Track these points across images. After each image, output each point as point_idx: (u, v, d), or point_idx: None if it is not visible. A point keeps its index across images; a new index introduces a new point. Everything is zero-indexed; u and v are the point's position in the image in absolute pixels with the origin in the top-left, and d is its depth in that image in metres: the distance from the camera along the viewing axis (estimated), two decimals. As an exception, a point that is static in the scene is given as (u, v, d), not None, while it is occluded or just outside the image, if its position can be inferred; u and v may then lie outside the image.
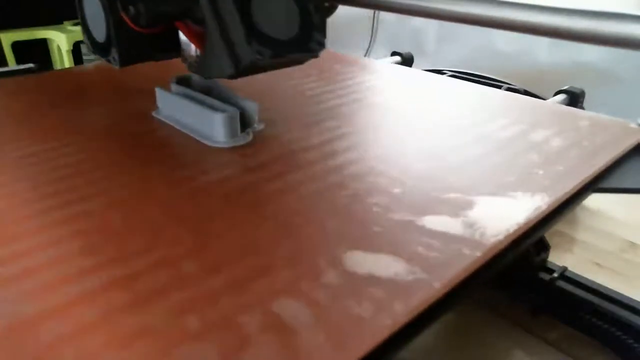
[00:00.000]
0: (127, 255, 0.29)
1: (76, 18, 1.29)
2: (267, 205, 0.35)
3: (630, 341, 0.53)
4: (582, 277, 0.59)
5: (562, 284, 0.59)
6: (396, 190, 0.37)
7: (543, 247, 0.61)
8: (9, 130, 0.49)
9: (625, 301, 0.55)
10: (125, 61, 0.46)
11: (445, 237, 0.31)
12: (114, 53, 0.46)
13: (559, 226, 0.78)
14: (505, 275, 0.62)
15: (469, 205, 0.35)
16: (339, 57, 0.76)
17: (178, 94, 0.51)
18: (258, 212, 0.34)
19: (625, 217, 0.80)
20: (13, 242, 0.30)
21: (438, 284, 0.27)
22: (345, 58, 0.76)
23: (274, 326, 0.24)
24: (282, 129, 0.49)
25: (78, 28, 1.27)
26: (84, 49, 1.31)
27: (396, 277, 0.28)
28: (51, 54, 1.33)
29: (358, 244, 0.31)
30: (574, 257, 0.71)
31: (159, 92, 0.53)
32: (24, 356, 0.23)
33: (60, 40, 1.23)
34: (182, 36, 0.49)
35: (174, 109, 0.52)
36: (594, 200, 0.83)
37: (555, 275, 0.59)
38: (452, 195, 0.37)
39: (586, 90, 0.62)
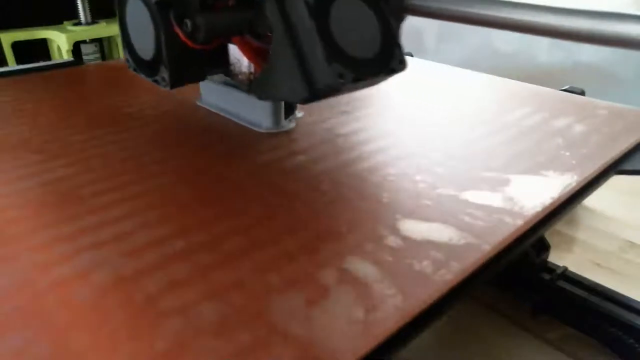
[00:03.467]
0: (202, 224, 0.32)
1: (76, 18, 1.29)
2: (321, 181, 0.38)
3: (631, 341, 0.53)
4: (583, 277, 0.59)
5: (562, 283, 0.59)
6: (438, 170, 0.40)
7: (543, 247, 0.61)
8: (65, 117, 0.52)
9: (625, 301, 0.55)
10: (175, 82, 0.41)
11: (488, 209, 0.34)
12: (164, 72, 0.41)
13: (559, 226, 0.78)
14: (505, 275, 0.62)
15: (506, 182, 0.38)
16: None
17: (221, 82, 0.52)
18: (314, 187, 0.37)
19: (625, 217, 0.80)
20: (102, 212, 0.34)
21: (488, 246, 0.30)
22: None
23: (348, 280, 0.27)
24: (320, 117, 0.52)
25: (78, 28, 1.27)
26: (84, 49, 1.31)
27: (450, 241, 0.31)
28: (51, 54, 1.33)
29: (411, 214, 0.34)
30: (574, 257, 0.71)
31: (203, 82, 0.54)
32: (132, 303, 0.25)
33: (60, 40, 1.23)
34: (233, 50, 0.45)
35: (218, 97, 0.53)
36: (594, 200, 0.83)
37: (556, 275, 0.59)
38: (489, 174, 0.40)
39: (586, 90, 0.62)
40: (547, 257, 0.62)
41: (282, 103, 0.48)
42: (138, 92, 0.61)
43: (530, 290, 0.61)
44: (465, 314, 0.61)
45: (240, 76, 0.46)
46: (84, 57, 1.32)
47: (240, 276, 0.27)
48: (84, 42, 1.29)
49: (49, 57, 1.34)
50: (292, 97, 0.36)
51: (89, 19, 1.29)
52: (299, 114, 0.52)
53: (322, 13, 0.34)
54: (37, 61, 0.78)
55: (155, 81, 0.42)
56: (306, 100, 0.35)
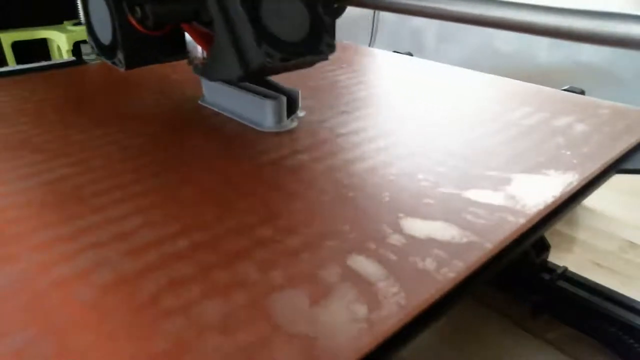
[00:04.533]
0: (204, 223, 0.32)
1: (76, 18, 1.29)
2: (323, 180, 0.39)
3: (631, 341, 0.53)
4: (583, 277, 0.59)
5: (562, 283, 0.59)
6: (440, 169, 0.40)
7: (543, 247, 0.61)
8: (66, 117, 0.53)
9: (625, 301, 0.55)
10: (130, 64, 0.45)
11: (490, 207, 0.35)
12: (120, 55, 0.45)
13: (559, 226, 0.78)
14: (505, 275, 0.62)
15: (508, 181, 0.38)
16: (367, 50, 0.81)
17: (224, 82, 0.52)
18: (317, 186, 0.38)
19: (625, 217, 0.80)
20: (103, 211, 0.34)
21: (490, 245, 0.30)
22: (373, 52, 0.81)
23: (351, 278, 0.27)
24: (322, 116, 0.53)
25: (78, 28, 1.27)
26: (84, 48, 1.31)
27: (452, 239, 0.31)
28: (51, 54, 1.33)
29: (414, 213, 0.34)
30: (574, 257, 0.71)
31: (205, 81, 0.54)
32: (133, 302, 0.25)
33: (60, 40, 1.23)
34: (189, 38, 0.48)
35: (220, 96, 0.53)
36: (594, 200, 0.83)
37: (556, 275, 0.59)
38: (491, 173, 0.40)
39: (586, 90, 0.62)
40: (547, 257, 0.62)
41: (285, 103, 0.48)
42: (139, 91, 0.61)
43: (530, 290, 0.61)
44: (465, 314, 0.61)
45: (195, 61, 0.49)
46: (84, 57, 1.32)
47: (243, 275, 0.27)
48: (84, 42, 1.29)
49: (49, 57, 1.34)
50: (228, 75, 0.40)
51: (89, 19, 1.29)
52: (300, 113, 0.52)
53: (254, 3, 0.38)
54: (37, 61, 0.78)
55: (114, 63, 0.46)
56: (241, 78, 0.40)
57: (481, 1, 0.39)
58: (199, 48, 0.48)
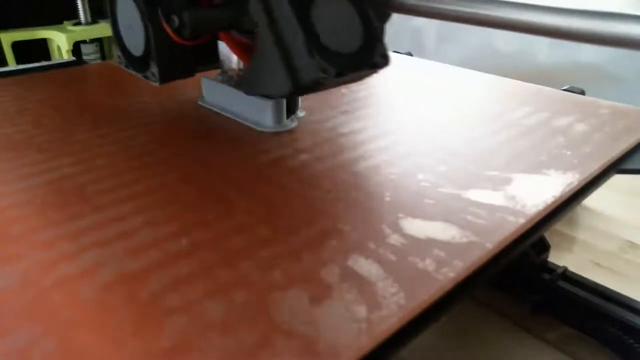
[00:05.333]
0: (206, 222, 0.32)
1: (76, 18, 1.29)
2: (325, 180, 0.38)
3: (631, 341, 0.53)
4: (583, 277, 0.59)
5: (562, 283, 0.59)
6: (440, 168, 0.40)
7: (543, 247, 0.61)
8: (68, 116, 0.52)
9: (625, 301, 0.55)
10: (165, 77, 0.42)
11: (490, 207, 0.35)
12: (153, 68, 0.42)
13: (559, 226, 0.78)
14: (505, 275, 0.62)
15: (508, 181, 0.38)
16: None
17: (223, 82, 0.52)
18: (317, 186, 0.37)
19: (625, 217, 0.80)
20: (106, 210, 0.34)
21: (490, 245, 0.30)
22: None
23: (351, 278, 0.27)
24: (322, 116, 0.52)
25: (78, 28, 1.27)
26: (84, 49, 1.31)
27: (452, 239, 0.31)
28: (51, 54, 1.33)
29: (414, 213, 0.34)
30: (574, 257, 0.71)
31: (205, 81, 0.54)
32: (136, 301, 0.25)
33: (60, 40, 1.23)
34: (221, 47, 0.46)
35: (220, 96, 0.53)
36: (594, 200, 0.83)
37: (556, 275, 0.59)
38: (491, 173, 0.40)
39: (586, 90, 0.62)
40: (547, 257, 0.62)
41: (284, 102, 0.48)
42: (140, 91, 0.61)
43: (530, 290, 0.61)
44: (465, 314, 0.61)
45: (229, 72, 0.47)
46: (84, 57, 1.32)
47: (244, 274, 0.28)
48: (84, 42, 1.29)
49: (49, 57, 1.34)
50: (276, 91, 0.36)
51: (89, 19, 1.30)
52: (300, 113, 0.52)
53: (305, 9, 0.34)
54: (37, 61, 0.78)
55: (146, 77, 0.43)
56: (290, 95, 0.36)
57: (481, 1, 0.39)
58: (234, 58, 0.46)
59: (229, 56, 0.47)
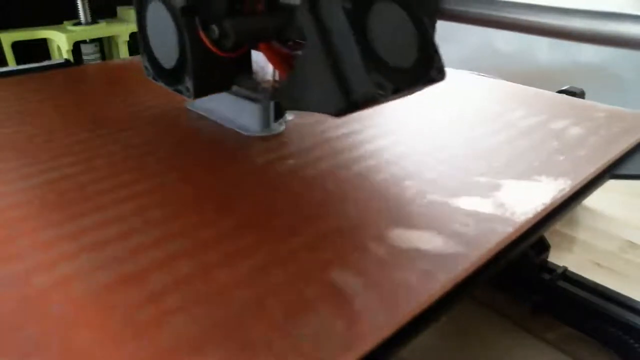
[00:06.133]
0: (188, 230, 0.32)
1: (76, 18, 1.29)
2: (308, 187, 0.38)
3: (631, 341, 0.53)
4: (583, 277, 0.59)
5: (562, 284, 0.59)
6: (429, 174, 0.39)
7: (543, 247, 0.61)
8: (67, 117, 0.52)
9: (625, 301, 0.55)
10: (200, 92, 0.39)
11: (478, 216, 0.34)
12: (188, 83, 0.38)
13: (559, 226, 0.78)
14: (505, 275, 0.62)
15: (498, 187, 0.37)
16: None
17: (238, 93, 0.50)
18: (301, 194, 0.37)
19: (625, 217, 0.80)
20: (105, 210, 0.34)
21: (476, 255, 0.29)
22: None
23: (330, 292, 0.26)
24: (311, 119, 0.51)
25: (78, 28, 1.27)
26: (84, 49, 1.31)
27: (437, 250, 0.30)
28: (51, 54, 1.33)
29: (398, 222, 0.33)
30: (574, 257, 0.71)
31: None
32: (138, 298, 0.25)
33: (60, 40, 1.23)
34: (255, 57, 0.43)
35: (207, 100, 0.51)
36: (594, 200, 0.83)
37: (556, 275, 0.59)
38: (482, 179, 0.39)
39: (586, 91, 0.62)
40: (547, 257, 0.62)
41: (272, 106, 0.47)
42: (137, 92, 0.60)
43: (530, 290, 0.61)
44: (465, 314, 0.61)
45: (264, 84, 0.44)
46: (84, 57, 1.32)
47: (219, 286, 0.27)
48: (84, 42, 1.29)
49: (49, 57, 1.34)
50: (325, 107, 0.33)
51: (89, 19, 1.29)
52: (289, 116, 0.50)
53: (360, 19, 0.31)
54: (37, 61, 0.78)
55: (178, 91, 0.40)
56: (341, 112, 0.32)
57: (482, 1, 0.39)
58: (270, 69, 0.44)
59: (264, 67, 0.44)
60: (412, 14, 0.35)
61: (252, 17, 0.37)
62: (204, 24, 0.35)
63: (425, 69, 0.35)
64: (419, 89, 0.35)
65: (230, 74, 0.41)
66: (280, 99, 0.39)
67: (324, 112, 0.33)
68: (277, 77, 0.44)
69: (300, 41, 0.35)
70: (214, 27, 0.35)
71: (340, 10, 0.31)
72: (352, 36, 0.30)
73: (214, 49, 0.36)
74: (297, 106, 0.36)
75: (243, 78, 0.42)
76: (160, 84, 0.42)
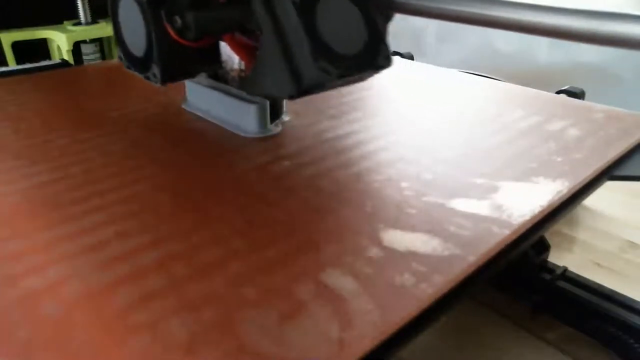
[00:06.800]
0: (180, 234, 0.31)
1: (76, 18, 1.29)
2: (305, 188, 0.37)
3: (631, 341, 0.53)
4: (583, 277, 0.59)
5: (562, 284, 0.59)
6: (426, 176, 0.39)
7: (543, 247, 0.61)
8: (49, 121, 0.51)
9: (625, 301, 0.55)
10: (166, 78, 0.42)
11: (475, 217, 0.33)
12: (155, 69, 0.41)
13: (559, 226, 0.78)
14: (505, 275, 0.62)
15: (495, 189, 0.37)
16: None
17: (207, 86, 0.51)
18: (297, 194, 0.36)
19: (625, 217, 0.80)
20: (79, 220, 0.33)
21: (473, 258, 0.29)
22: None
23: (325, 294, 0.26)
24: (308, 120, 0.51)
25: (78, 28, 1.27)
26: (84, 49, 1.31)
27: (433, 252, 0.30)
28: (51, 54, 1.33)
29: (395, 224, 0.32)
30: (574, 257, 0.71)
31: (189, 85, 0.53)
32: (104, 317, 0.25)
33: (60, 40, 1.23)
34: (224, 47, 0.45)
35: (203, 100, 0.52)
36: (594, 200, 0.83)
37: (556, 275, 0.59)
38: (479, 180, 0.38)
39: (586, 91, 0.62)
40: (547, 257, 0.62)
41: (268, 107, 0.47)
42: (127, 94, 0.60)
43: (530, 290, 0.61)
44: (465, 314, 0.61)
45: (231, 73, 0.47)
46: (84, 57, 1.32)
47: (214, 289, 0.26)
48: (84, 42, 1.29)
49: (49, 57, 1.34)
50: (279, 92, 0.36)
51: (89, 19, 1.29)
52: (286, 117, 0.50)
53: (309, 10, 0.34)
54: (37, 61, 0.78)
55: (147, 77, 0.43)
56: (293, 96, 0.36)
57: (481, 1, 0.39)
58: (236, 59, 0.46)
59: (231, 57, 0.46)
60: (361, 7, 0.37)
61: (213, 9, 0.39)
62: (168, 15, 0.38)
63: (372, 57, 0.38)
64: (368, 75, 0.39)
65: (197, 62, 0.44)
66: (245, 87, 0.41)
67: (279, 97, 0.37)
68: (243, 67, 0.45)
69: (260, 32, 0.37)
70: (177, 19, 0.38)
71: (290, 3, 0.34)
72: (300, 27, 0.33)
73: (178, 39, 0.39)
74: (259, 93, 0.39)
75: (212, 67, 0.45)
76: (133, 71, 0.45)
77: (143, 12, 0.40)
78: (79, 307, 0.25)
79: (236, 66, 0.47)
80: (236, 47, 0.42)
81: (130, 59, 0.45)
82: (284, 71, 0.35)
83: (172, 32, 0.39)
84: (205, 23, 0.38)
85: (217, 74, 0.51)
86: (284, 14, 0.34)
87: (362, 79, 0.39)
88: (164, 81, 0.42)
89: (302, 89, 0.35)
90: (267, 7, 0.35)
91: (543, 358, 0.55)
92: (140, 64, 0.43)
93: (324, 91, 0.38)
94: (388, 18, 0.42)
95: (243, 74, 0.46)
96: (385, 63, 0.38)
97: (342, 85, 0.38)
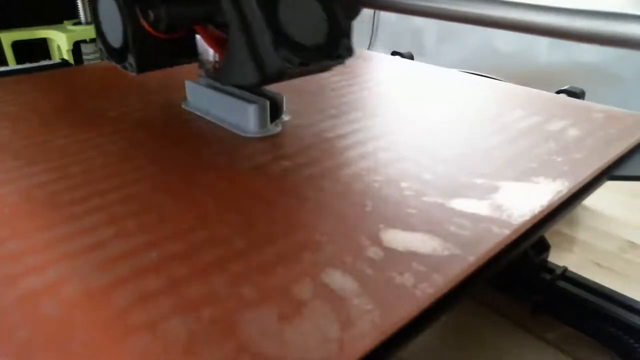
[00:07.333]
0: (179, 233, 0.31)
1: (76, 18, 1.29)
2: (305, 188, 0.37)
3: (631, 341, 0.53)
4: (583, 277, 0.59)
5: (562, 284, 0.59)
6: (426, 176, 0.39)
7: (543, 247, 0.61)
8: (49, 121, 0.51)
9: (625, 301, 0.55)
10: (142, 68, 0.44)
11: (475, 217, 0.33)
12: (131, 59, 0.44)
13: (559, 226, 0.78)
14: (505, 275, 0.62)
15: (495, 189, 0.37)
16: (359, 52, 0.80)
17: (207, 86, 0.51)
18: (297, 194, 0.36)
19: (625, 217, 0.80)
20: (79, 220, 0.33)
21: (472, 258, 0.29)
22: (365, 54, 0.79)
23: (325, 294, 0.26)
24: (308, 120, 0.51)
25: (78, 28, 1.27)
26: (84, 48, 1.31)
27: (433, 252, 0.30)
28: (51, 54, 1.33)
29: (394, 224, 0.32)
30: (574, 257, 0.71)
31: (189, 85, 0.54)
32: (104, 317, 0.25)
33: (60, 40, 1.23)
34: (200, 41, 0.47)
35: (203, 100, 0.52)
36: (594, 200, 0.83)
37: (556, 275, 0.59)
38: (479, 180, 0.38)
39: (586, 91, 0.62)
40: (547, 257, 0.62)
41: (268, 107, 0.47)
42: (127, 94, 0.60)
43: (530, 290, 0.61)
44: (465, 314, 0.61)
45: (207, 65, 0.48)
46: (84, 57, 1.32)
47: (214, 289, 0.26)
48: (84, 41, 1.29)
49: (49, 57, 1.34)
50: (244, 81, 0.39)
51: (89, 19, 1.29)
52: (286, 117, 0.51)
53: (272, 5, 0.37)
54: (37, 61, 0.78)
55: (124, 67, 0.45)
56: (257, 84, 0.38)
57: (481, 1, 0.39)
58: (211, 51, 0.47)
59: (207, 49, 0.48)
60: (323, 2, 0.40)
61: (184, 3, 0.41)
62: (142, 8, 0.41)
63: (333, 48, 0.40)
64: (330, 64, 0.41)
65: (171, 53, 0.46)
66: (217, 78, 0.44)
67: (245, 85, 0.39)
68: (217, 58, 0.46)
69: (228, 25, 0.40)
70: (150, 12, 0.40)
71: None
72: (263, 19, 0.36)
73: (152, 31, 0.41)
74: (228, 82, 0.41)
75: (188, 59, 0.48)
76: (112, 62, 0.47)
77: (119, 5, 0.43)
78: (79, 307, 0.25)
79: (211, 58, 0.48)
80: (208, 39, 0.44)
81: (109, 50, 0.48)
82: (248, 61, 0.37)
83: (146, 25, 0.41)
84: (176, 16, 0.40)
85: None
86: (248, 6, 0.37)
87: (324, 69, 0.42)
88: (139, 70, 0.44)
89: (266, 77, 0.38)
90: (233, 1, 0.37)
91: (543, 358, 0.55)
92: (118, 55, 0.46)
93: (287, 79, 0.40)
94: (354, 14, 0.44)
95: (217, 66, 0.47)
96: (346, 54, 0.41)
97: (305, 74, 0.41)
